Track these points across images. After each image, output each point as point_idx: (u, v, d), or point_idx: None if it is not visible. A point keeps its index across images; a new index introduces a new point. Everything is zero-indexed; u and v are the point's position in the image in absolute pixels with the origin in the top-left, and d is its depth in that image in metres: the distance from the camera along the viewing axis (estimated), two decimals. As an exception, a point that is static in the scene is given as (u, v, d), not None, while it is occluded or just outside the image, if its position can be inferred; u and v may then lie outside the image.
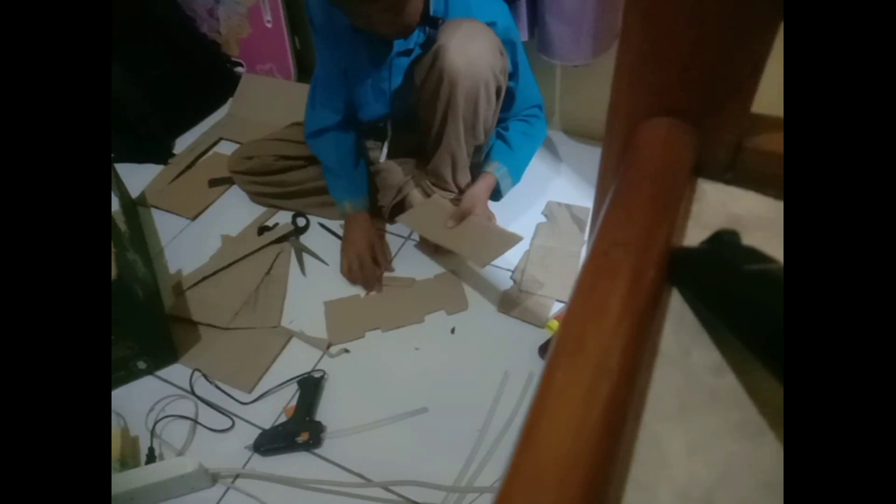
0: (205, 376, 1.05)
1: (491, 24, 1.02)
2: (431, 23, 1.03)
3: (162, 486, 0.87)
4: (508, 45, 1.06)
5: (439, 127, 1.09)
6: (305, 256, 1.25)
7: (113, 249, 0.97)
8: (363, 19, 0.98)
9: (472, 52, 0.98)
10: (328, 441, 0.95)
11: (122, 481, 0.86)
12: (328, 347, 1.07)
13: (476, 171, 1.21)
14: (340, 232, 1.28)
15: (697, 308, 0.33)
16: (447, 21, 1.01)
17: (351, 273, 1.17)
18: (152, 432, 0.97)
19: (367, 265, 1.16)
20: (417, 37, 1.05)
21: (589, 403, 0.25)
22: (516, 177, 1.23)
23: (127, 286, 0.96)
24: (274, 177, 1.30)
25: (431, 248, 1.20)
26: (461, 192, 1.20)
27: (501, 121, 1.19)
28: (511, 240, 1.10)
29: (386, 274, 1.19)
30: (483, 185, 1.19)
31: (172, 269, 1.24)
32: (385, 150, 1.26)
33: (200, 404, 1.01)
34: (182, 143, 1.56)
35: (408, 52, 1.07)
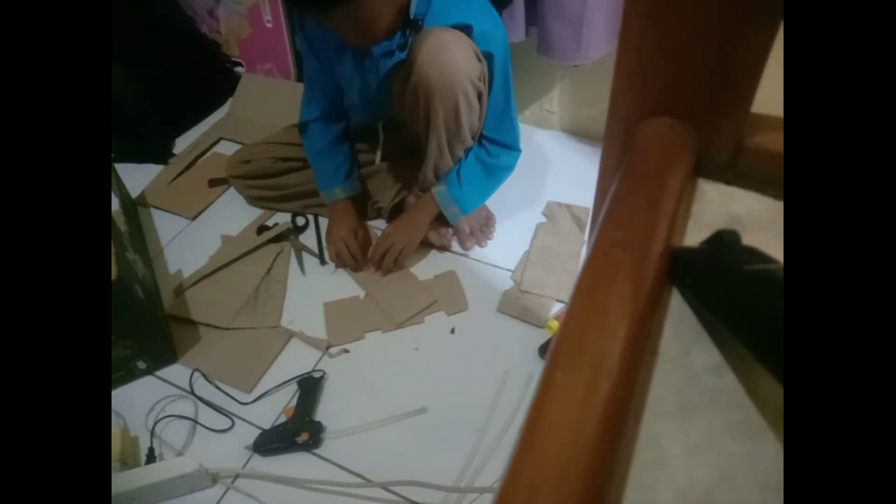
0: (205, 376, 1.05)
1: (467, 28, 0.99)
2: (412, 25, 1.00)
3: (162, 486, 0.87)
4: (485, 55, 1.02)
5: (424, 138, 1.08)
6: (305, 256, 1.25)
7: (113, 249, 0.97)
8: (332, 24, 0.96)
9: (445, 64, 0.95)
10: (328, 441, 0.95)
11: (122, 481, 0.86)
12: (328, 348, 1.07)
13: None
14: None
15: (697, 308, 0.33)
16: (421, 31, 0.98)
17: (339, 258, 1.20)
18: (152, 432, 0.97)
19: (354, 248, 1.19)
20: (399, 38, 1.03)
21: (589, 403, 0.25)
22: (466, 206, 1.16)
23: (127, 286, 0.96)
24: (272, 179, 1.30)
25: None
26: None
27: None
28: (426, 300, 1.13)
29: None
30: (419, 215, 1.18)
31: (172, 269, 1.24)
32: (379, 152, 1.26)
33: (200, 404, 1.01)
34: (182, 143, 1.56)
35: (390, 54, 1.05)
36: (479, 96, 1.04)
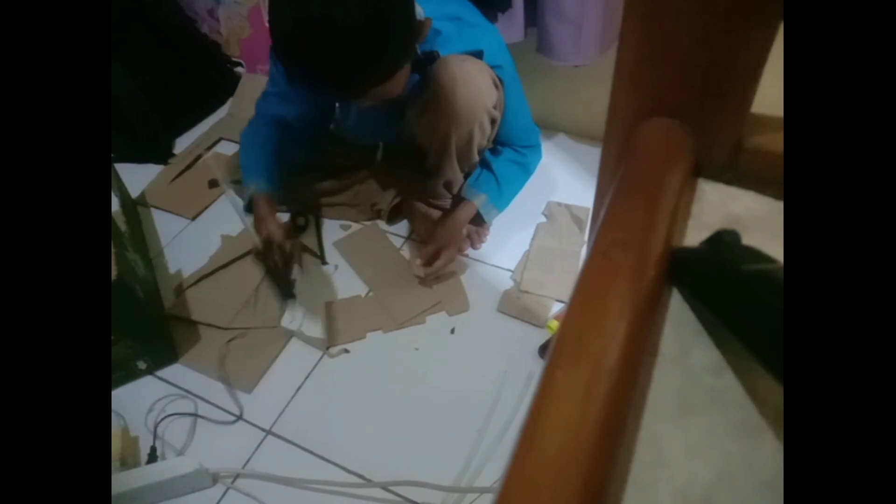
0: (205, 376, 1.05)
1: (478, 54, 0.99)
2: (427, 60, 0.98)
3: (162, 486, 0.87)
4: (496, 69, 1.03)
5: (434, 158, 1.09)
6: (305, 256, 1.25)
7: (113, 249, 0.97)
8: (356, 101, 0.94)
9: (468, 97, 0.96)
10: (328, 441, 0.95)
11: (122, 481, 0.86)
12: (328, 348, 1.07)
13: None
14: (342, 232, 1.28)
15: (697, 308, 0.33)
16: (440, 59, 0.97)
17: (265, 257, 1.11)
18: (155, 432, 0.97)
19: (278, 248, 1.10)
20: (417, 79, 1.01)
21: (589, 403, 0.25)
22: (502, 207, 1.20)
23: (127, 286, 0.96)
24: None
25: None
26: (460, 192, 1.20)
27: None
28: (430, 300, 1.13)
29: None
30: (460, 218, 1.17)
31: (172, 269, 1.24)
32: (381, 151, 1.26)
33: (200, 404, 1.01)
34: (182, 143, 1.56)
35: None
36: (493, 122, 1.06)
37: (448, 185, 1.17)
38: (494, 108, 1.03)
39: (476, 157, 1.13)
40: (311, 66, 0.82)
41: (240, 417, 0.99)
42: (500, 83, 1.03)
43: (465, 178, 1.19)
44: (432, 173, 1.14)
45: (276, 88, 1.14)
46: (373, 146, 1.26)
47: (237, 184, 1.32)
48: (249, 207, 1.12)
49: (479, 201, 1.17)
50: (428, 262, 1.13)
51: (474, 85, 0.97)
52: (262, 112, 1.17)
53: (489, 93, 1.00)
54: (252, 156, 1.17)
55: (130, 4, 1.51)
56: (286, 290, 1.11)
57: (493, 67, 1.02)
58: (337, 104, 1.22)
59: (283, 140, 1.17)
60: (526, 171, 1.23)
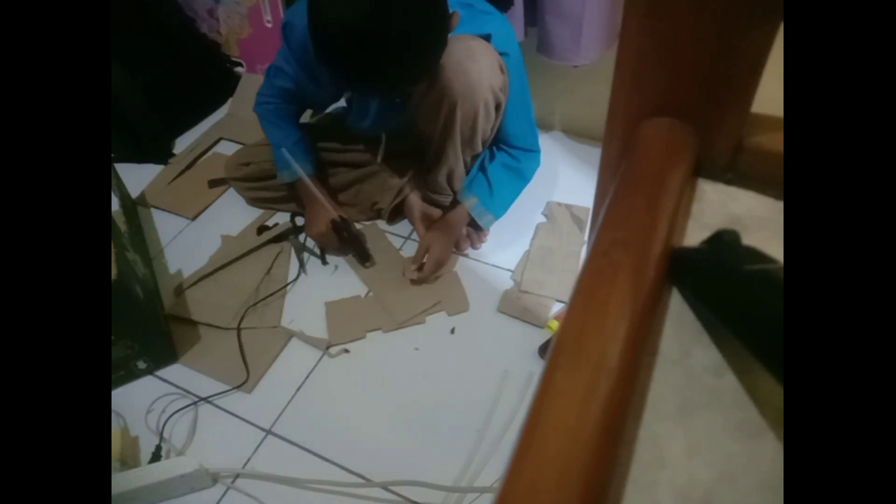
0: (205, 376, 1.05)
1: (486, 37, 1.00)
2: None
3: (162, 486, 0.87)
4: (502, 56, 1.04)
5: (438, 143, 1.09)
6: (305, 255, 1.25)
7: (113, 249, 0.97)
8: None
9: (470, 74, 0.97)
10: (328, 441, 0.95)
11: (122, 481, 0.86)
12: (328, 348, 1.07)
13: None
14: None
15: (697, 308, 0.33)
16: (448, 39, 0.99)
17: (324, 238, 1.20)
18: (161, 432, 0.97)
19: (335, 243, 1.21)
20: None
21: (588, 404, 0.25)
22: (498, 212, 1.21)
23: (127, 286, 0.96)
24: (271, 181, 1.30)
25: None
26: (456, 195, 1.20)
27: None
28: (430, 300, 1.14)
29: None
30: (453, 221, 1.18)
31: (172, 269, 1.24)
32: (382, 151, 1.26)
33: (200, 404, 1.01)
34: (182, 143, 1.56)
35: None
36: (498, 106, 1.06)
37: (450, 178, 1.16)
38: (500, 90, 1.03)
39: (479, 146, 1.11)
40: (362, 71, 0.86)
41: (240, 417, 0.99)
42: (505, 69, 1.03)
43: (467, 174, 1.18)
44: (435, 162, 1.13)
45: (288, 69, 1.14)
46: (375, 142, 1.26)
47: (237, 181, 1.32)
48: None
49: (469, 204, 1.17)
50: (420, 265, 1.14)
51: (480, 61, 0.97)
52: (278, 86, 1.17)
53: (494, 72, 1.00)
54: (281, 135, 1.19)
55: (130, 4, 1.51)
56: (367, 255, 1.21)
57: (500, 54, 1.02)
58: (348, 94, 1.22)
59: (299, 115, 1.24)
60: (521, 177, 1.23)
